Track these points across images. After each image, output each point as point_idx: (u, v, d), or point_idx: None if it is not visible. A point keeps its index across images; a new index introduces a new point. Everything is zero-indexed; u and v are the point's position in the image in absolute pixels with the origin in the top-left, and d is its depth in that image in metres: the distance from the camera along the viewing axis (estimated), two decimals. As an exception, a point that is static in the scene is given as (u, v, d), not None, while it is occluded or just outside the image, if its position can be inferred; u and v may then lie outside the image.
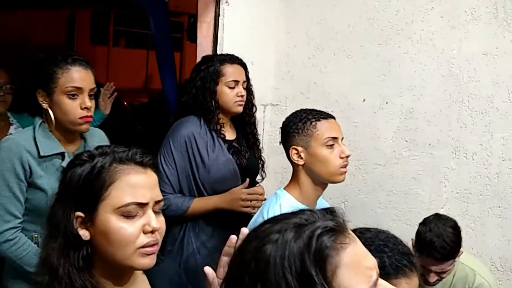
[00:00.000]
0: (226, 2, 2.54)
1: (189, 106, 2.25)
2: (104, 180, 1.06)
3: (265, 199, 2.25)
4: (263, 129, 2.86)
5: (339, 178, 1.79)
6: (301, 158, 1.77)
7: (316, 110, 1.84)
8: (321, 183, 1.81)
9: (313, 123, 1.76)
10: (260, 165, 2.42)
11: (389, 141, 2.59)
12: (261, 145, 2.47)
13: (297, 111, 1.86)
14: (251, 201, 2.21)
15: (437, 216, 2.06)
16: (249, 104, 2.35)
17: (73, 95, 1.73)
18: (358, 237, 0.84)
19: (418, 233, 2.01)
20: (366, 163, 2.64)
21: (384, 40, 2.55)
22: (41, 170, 1.75)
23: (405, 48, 2.51)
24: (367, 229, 1.22)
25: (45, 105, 1.76)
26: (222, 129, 2.27)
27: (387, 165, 2.61)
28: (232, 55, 2.30)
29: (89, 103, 1.75)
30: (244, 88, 2.27)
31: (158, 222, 1.08)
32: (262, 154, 2.46)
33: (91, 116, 1.78)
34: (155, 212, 1.09)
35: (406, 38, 2.50)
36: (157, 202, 1.10)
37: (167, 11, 2.65)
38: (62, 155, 1.78)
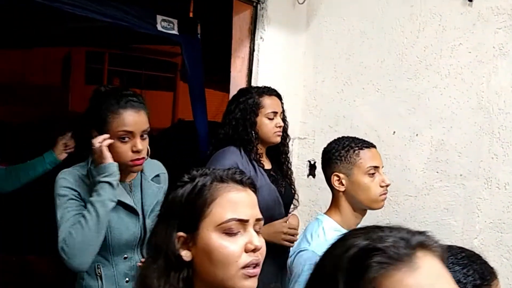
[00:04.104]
0: (261, 38, 2.62)
1: (229, 137, 2.28)
2: (206, 198, 1.07)
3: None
4: (291, 162, 2.89)
5: (379, 204, 1.83)
6: (342, 185, 1.81)
7: (358, 139, 1.88)
8: (360, 209, 1.84)
9: (356, 152, 1.81)
10: (293, 193, 2.46)
11: (420, 173, 2.64)
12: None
13: (339, 138, 1.90)
14: (291, 234, 2.24)
15: None
16: (284, 134, 2.40)
17: (124, 138, 1.74)
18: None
19: None
20: (398, 194, 2.68)
21: (413, 74, 2.64)
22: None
23: (434, 82, 2.59)
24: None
25: None
26: (261, 159, 2.31)
27: (418, 196, 2.65)
28: (269, 87, 2.36)
29: (140, 145, 1.75)
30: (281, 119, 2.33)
31: (259, 241, 1.08)
32: (295, 183, 2.51)
33: (142, 158, 1.78)
34: (256, 232, 1.09)
35: (435, 73, 2.58)
36: (257, 220, 1.10)
37: (200, 48, 2.70)
38: None
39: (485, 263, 1.27)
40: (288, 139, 2.44)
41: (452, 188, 2.56)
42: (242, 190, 1.11)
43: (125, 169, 1.80)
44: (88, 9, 2.15)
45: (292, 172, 2.50)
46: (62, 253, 1.65)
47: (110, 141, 1.73)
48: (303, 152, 3.02)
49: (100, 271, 1.75)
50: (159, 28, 2.49)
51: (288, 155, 2.46)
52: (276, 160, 2.43)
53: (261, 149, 2.32)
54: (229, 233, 1.05)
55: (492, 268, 1.25)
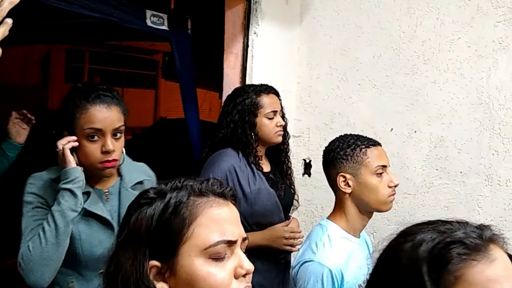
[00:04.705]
0: (255, 33, 2.53)
1: (227, 140, 2.18)
2: (184, 217, 0.91)
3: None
4: (291, 161, 2.82)
5: (387, 206, 1.75)
6: (349, 186, 1.71)
7: (363, 136, 1.79)
8: (367, 212, 1.76)
9: (363, 150, 1.71)
10: (293, 193, 2.38)
11: (418, 170, 2.58)
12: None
13: (342, 136, 1.80)
14: (292, 239, 2.17)
15: None
16: (285, 132, 2.32)
17: (92, 136, 1.56)
18: None
19: None
20: (396, 192, 2.60)
21: (411, 69, 2.57)
22: None
23: (433, 78, 2.52)
24: None
25: None
26: (260, 161, 2.22)
27: (417, 195, 2.59)
28: (266, 85, 2.27)
29: (111, 145, 1.56)
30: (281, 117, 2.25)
31: (249, 263, 0.94)
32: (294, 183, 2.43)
33: (114, 160, 1.59)
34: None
35: (433, 68, 2.52)
36: (243, 240, 0.96)
37: (191, 44, 2.61)
38: (87, 194, 1.63)
39: None
40: (288, 137, 2.36)
41: (452, 185, 2.50)
42: (224, 205, 0.96)
43: (96, 173, 1.62)
44: (76, 4, 2.05)
45: (292, 172, 2.42)
46: (19, 269, 1.51)
47: (74, 143, 1.56)
48: (298, 151, 2.93)
49: (74, 285, 1.59)
50: (149, 23, 2.38)
51: (289, 153, 2.38)
52: (275, 160, 2.35)
53: (261, 151, 2.23)
54: (216, 258, 0.90)
55: None
